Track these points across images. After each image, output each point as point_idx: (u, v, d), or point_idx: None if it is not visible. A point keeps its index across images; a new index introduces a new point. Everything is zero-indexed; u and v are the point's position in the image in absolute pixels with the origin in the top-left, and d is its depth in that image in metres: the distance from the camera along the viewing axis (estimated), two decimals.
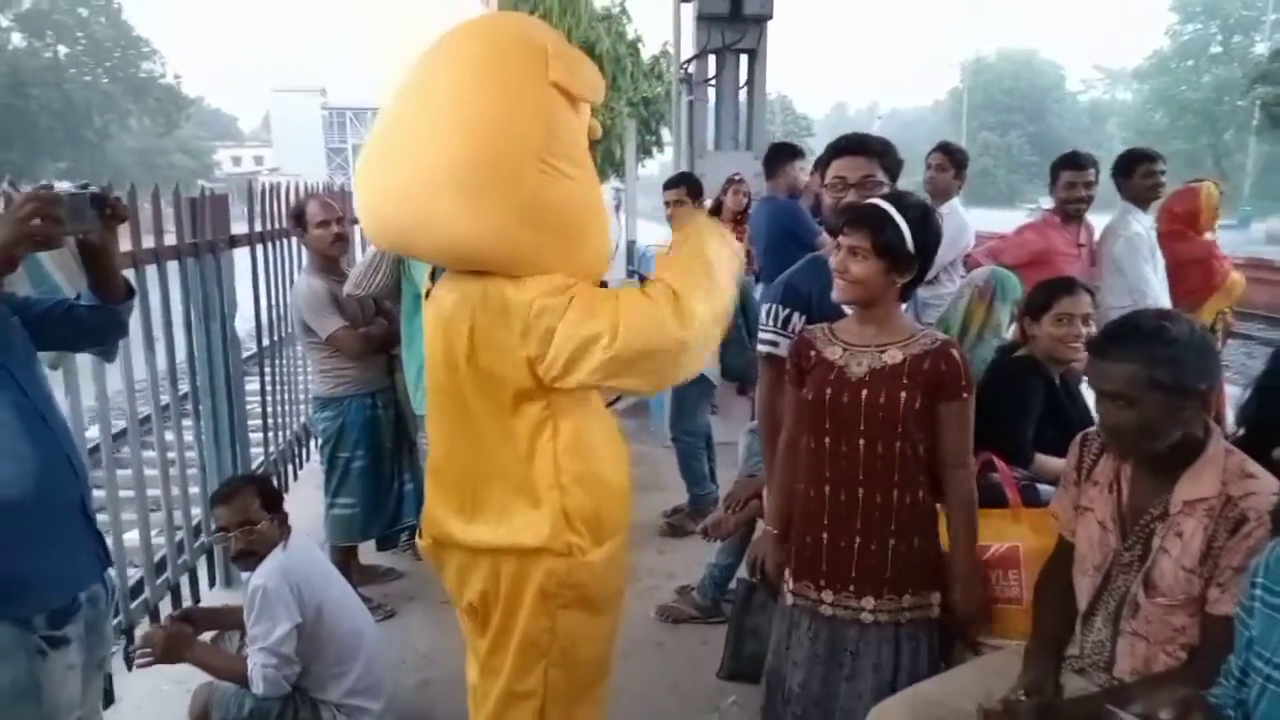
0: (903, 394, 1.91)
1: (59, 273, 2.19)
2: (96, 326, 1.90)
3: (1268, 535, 1.44)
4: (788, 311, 2.30)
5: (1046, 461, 2.41)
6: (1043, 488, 2.37)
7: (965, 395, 1.93)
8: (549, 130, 1.58)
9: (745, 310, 4.25)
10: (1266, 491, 1.53)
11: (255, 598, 2.42)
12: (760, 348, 2.36)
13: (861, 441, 1.95)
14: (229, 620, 2.68)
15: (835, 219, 2.09)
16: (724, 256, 1.73)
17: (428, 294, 1.79)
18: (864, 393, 1.93)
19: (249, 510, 2.52)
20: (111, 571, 2.10)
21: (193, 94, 55.30)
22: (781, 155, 4.88)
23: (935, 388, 1.92)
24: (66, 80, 46.28)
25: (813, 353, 2.03)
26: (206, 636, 2.65)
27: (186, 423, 3.82)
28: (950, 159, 4.23)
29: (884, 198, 2.00)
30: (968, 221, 4.14)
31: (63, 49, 47.55)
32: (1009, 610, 2.06)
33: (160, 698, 2.89)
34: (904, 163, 2.40)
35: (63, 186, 1.71)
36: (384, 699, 2.61)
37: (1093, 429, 1.83)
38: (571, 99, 1.63)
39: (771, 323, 2.32)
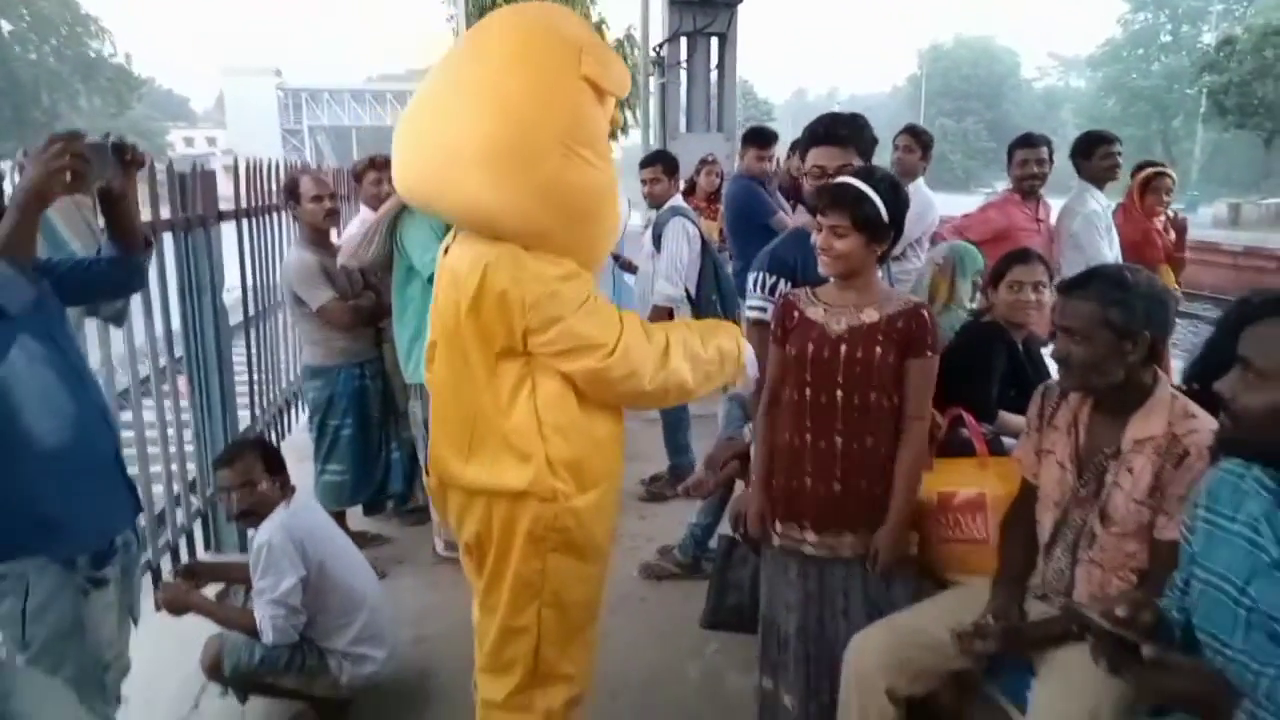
0: (878, 349, 2.08)
1: (75, 240, 2.26)
2: (118, 278, 1.99)
3: (1207, 467, 1.62)
4: (774, 279, 2.45)
5: (1009, 418, 2.60)
6: (1007, 441, 2.56)
7: (930, 353, 2.10)
8: (575, 119, 1.69)
9: (720, 285, 4.42)
10: (1206, 429, 1.71)
11: (261, 553, 2.52)
12: (749, 313, 2.51)
13: (840, 393, 2.11)
14: (234, 574, 2.78)
15: (814, 201, 2.24)
16: (723, 361, 1.96)
17: (445, 250, 1.89)
18: (843, 348, 2.09)
19: (251, 472, 2.62)
20: (141, 519, 2.19)
21: (144, 74, 53.90)
22: (745, 141, 5.11)
23: (906, 344, 2.08)
24: (12, 58, 44.82)
25: (796, 313, 2.18)
26: (212, 590, 2.75)
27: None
28: (917, 140, 4.42)
29: (854, 173, 2.15)
30: (933, 200, 4.33)
31: (6, 25, 46.05)
32: (976, 550, 2.23)
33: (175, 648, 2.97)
34: (877, 141, 2.56)
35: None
36: (387, 648, 2.74)
37: (1052, 381, 2.01)
38: (600, 93, 1.74)
39: (759, 290, 2.47)
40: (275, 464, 2.69)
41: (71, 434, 1.74)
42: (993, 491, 2.23)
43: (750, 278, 2.51)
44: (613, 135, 2.14)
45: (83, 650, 1.78)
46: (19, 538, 1.71)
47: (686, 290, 4.35)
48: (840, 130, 2.40)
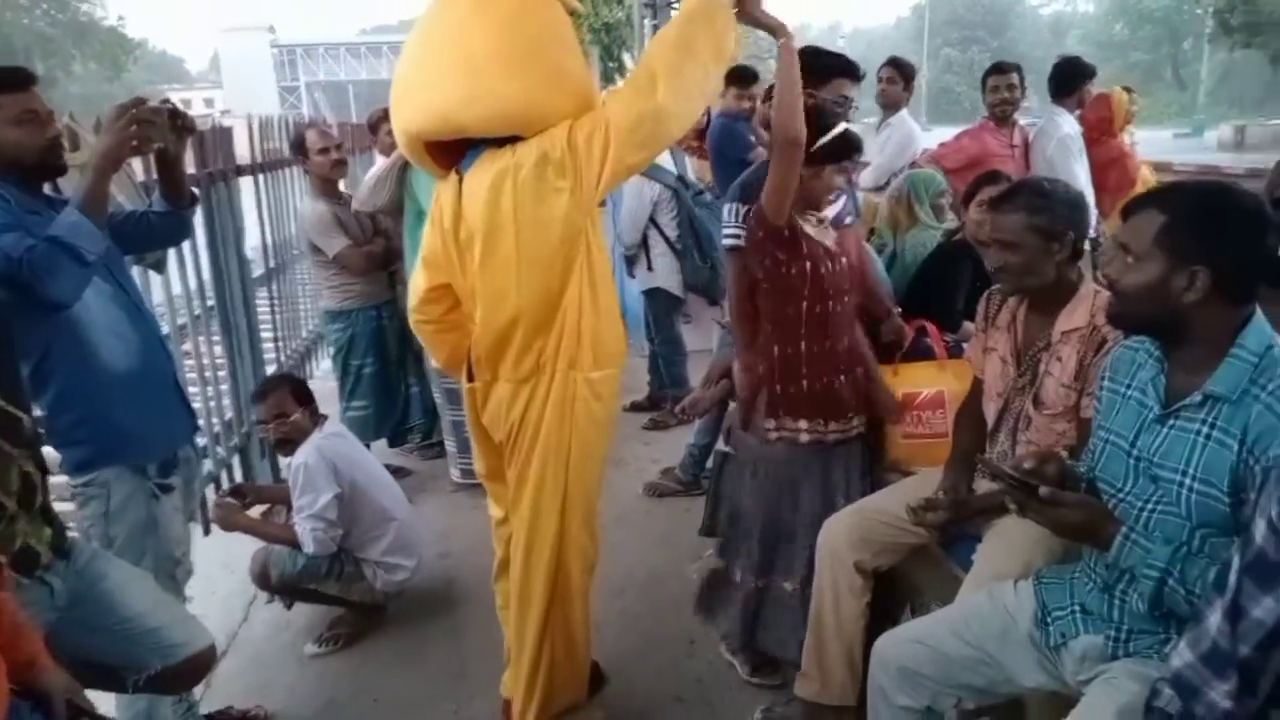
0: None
1: (120, 194, 2.51)
2: (167, 230, 2.25)
3: None
4: (746, 208, 2.68)
5: (971, 328, 2.84)
6: (968, 348, 2.81)
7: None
8: (558, 17, 2.01)
9: (696, 232, 4.64)
10: None
11: (299, 474, 2.81)
12: (725, 241, 2.74)
13: (847, 299, 2.43)
14: (277, 496, 3.08)
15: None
16: (708, 32, 1.99)
17: (460, 182, 2.09)
18: (844, 260, 2.39)
19: (284, 404, 2.91)
20: (199, 437, 2.48)
21: (137, 37, 53.57)
22: (726, 80, 5.27)
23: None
24: (4, 25, 44.55)
25: (786, 231, 2.36)
26: (258, 510, 3.05)
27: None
28: (899, 72, 4.58)
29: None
30: (916, 131, 4.52)
31: None
32: (937, 444, 2.49)
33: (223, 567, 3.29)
34: (865, 75, 2.81)
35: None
36: (416, 558, 3.05)
37: (995, 287, 2.25)
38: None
39: (733, 219, 2.69)
40: (304, 396, 2.97)
41: (138, 359, 2.03)
42: (950, 389, 2.49)
43: (725, 209, 2.73)
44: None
45: (158, 545, 2.08)
46: (100, 449, 2.00)
47: (664, 234, 4.59)
48: (857, 67, 2.75)
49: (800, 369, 2.43)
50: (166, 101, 2.05)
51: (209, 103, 58.63)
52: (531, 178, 1.95)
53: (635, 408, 4.95)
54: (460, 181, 2.08)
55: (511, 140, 1.99)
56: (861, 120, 4.09)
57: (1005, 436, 2.15)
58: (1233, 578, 1.23)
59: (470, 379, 2.24)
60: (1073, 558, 1.85)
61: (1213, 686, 1.24)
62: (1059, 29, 66.71)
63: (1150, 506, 1.52)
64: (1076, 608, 1.66)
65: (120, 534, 2.02)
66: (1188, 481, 1.46)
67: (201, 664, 1.91)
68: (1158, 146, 22.72)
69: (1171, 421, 1.51)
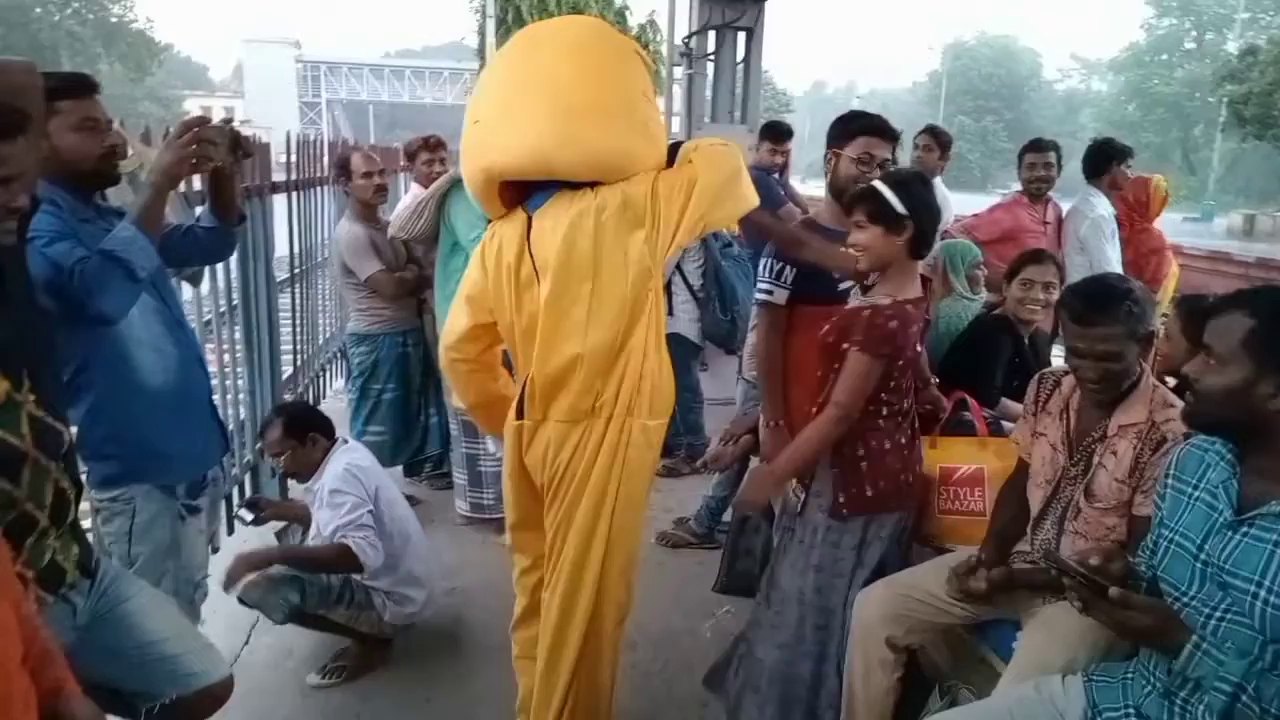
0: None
1: (168, 207, 2.50)
2: (211, 245, 2.24)
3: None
4: (780, 264, 2.67)
5: (1010, 405, 2.83)
6: (1006, 426, 2.78)
7: (859, 349, 2.17)
8: (643, 73, 2.13)
9: (720, 284, 4.65)
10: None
11: (336, 495, 2.72)
12: (758, 295, 2.74)
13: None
14: (292, 512, 3.02)
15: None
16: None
17: (529, 221, 2.09)
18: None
19: (281, 442, 2.85)
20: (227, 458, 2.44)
21: (163, 41, 54.07)
22: (760, 134, 5.37)
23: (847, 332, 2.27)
24: (33, 21, 45.06)
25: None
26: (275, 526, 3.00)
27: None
28: (936, 140, 4.63)
29: (883, 176, 2.36)
30: (949, 199, 4.54)
31: None
32: (972, 521, 2.46)
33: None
34: (898, 135, 2.79)
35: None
36: (426, 590, 2.98)
37: (1048, 370, 2.23)
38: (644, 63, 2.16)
39: (768, 275, 2.69)
40: (304, 427, 2.88)
41: (175, 376, 1.99)
42: (990, 467, 2.46)
43: (761, 263, 2.73)
44: None
45: (179, 567, 2.03)
46: (130, 466, 1.96)
47: (687, 281, 4.61)
48: (890, 127, 2.69)
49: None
50: (229, 122, 2.05)
51: (228, 111, 59.19)
52: (613, 220, 2.01)
53: None
54: (529, 220, 2.07)
55: (591, 184, 2.02)
56: None
57: (1052, 525, 2.11)
58: None
59: (520, 416, 2.20)
60: (1119, 654, 1.81)
61: None
62: (1072, 105, 67.82)
63: (1219, 615, 1.47)
64: (1131, 711, 1.61)
65: (143, 553, 1.97)
66: (1262, 594, 1.42)
67: (217, 696, 1.86)
68: (1167, 229, 22.97)
69: (1245, 529, 1.48)
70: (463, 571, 3.56)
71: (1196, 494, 1.59)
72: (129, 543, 1.96)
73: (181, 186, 2.80)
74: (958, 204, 4.70)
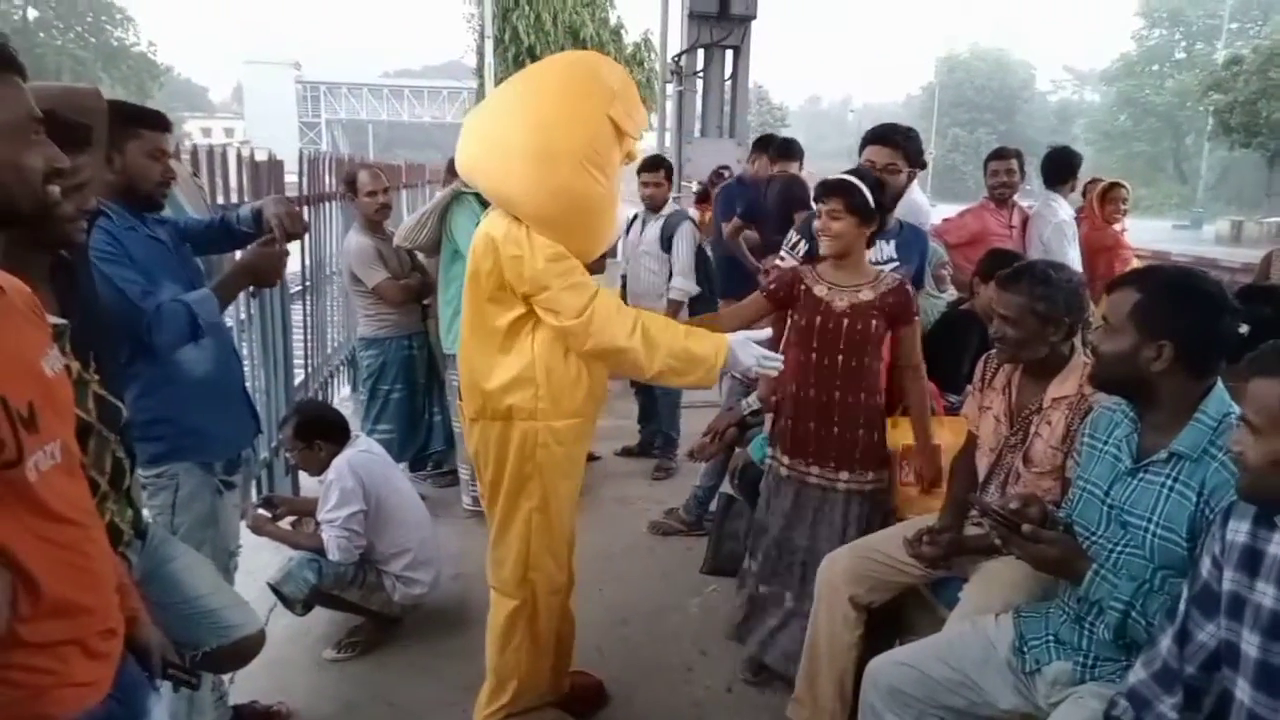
0: (874, 323, 2.62)
1: (189, 204, 2.77)
2: (245, 240, 2.49)
3: None
4: (798, 238, 3.01)
5: None
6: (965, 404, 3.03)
7: (916, 318, 2.69)
8: (592, 144, 2.13)
9: (709, 276, 4.90)
10: None
11: (330, 490, 3.00)
12: (778, 262, 3.07)
13: (840, 357, 2.63)
14: (305, 508, 3.26)
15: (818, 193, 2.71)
16: (690, 361, 2.22)
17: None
18: (845, 322, 2.62)
19: (291, 441, 3.12)
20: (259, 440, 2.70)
21: (164, 63, 54.56)
22: (772, 152, 5.62)
23: (895, 317, 2.65)
24: (37, 44, 45.50)
25: (802, 287, 2.68)
26: (288, 520, 3.23)
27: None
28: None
29: (847, 172, 2.65)
30: (925, 205, 4.79)
31: (33, 12, 46.80)
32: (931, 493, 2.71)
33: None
34: (924, 149, 3.05)
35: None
36: (434, 574, 3.22)
37: (992, 351, 2.48)
38: (619, 132, 2.20)
39: (788, 249, 3.07)
40: (311, 431, 3.12)
41: (214, 365, 2.24)
42: (945, 442, 2.70)
43: (789, 237, 3.11)
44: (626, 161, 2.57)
45: (217, 537, 2.27)
46: (174, 446, 2.19)
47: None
48: (894, 135, 2.93)
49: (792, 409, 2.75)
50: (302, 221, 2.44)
51: (229, 132, 59.51)
52: (483, 244, 2.24)
53: (626, 453, 5.19)
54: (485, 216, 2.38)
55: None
56: None
57: (995, 489, 2.35)
58: (1182, 606, 1.43)
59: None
60: (1049, 598, 2.05)
61: (1162, 701, 1.44)
62: (1065, 116, 68.27)
63: (1119, 549, 1.72)
64: (1050, 637, 1.85)
65: (184, 523, 2.21)
66: (1152, 528, 1.66)
67: (252, 646, 2.08)
68: (1157, 236, 23.24)
69: (1141, 474, 1.73)
70: (467, 559, 3.78)
71: (1105, 448, 1.84)
72: (172, 514, 2.20)
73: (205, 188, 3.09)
74: (949, 213, 4.98)
